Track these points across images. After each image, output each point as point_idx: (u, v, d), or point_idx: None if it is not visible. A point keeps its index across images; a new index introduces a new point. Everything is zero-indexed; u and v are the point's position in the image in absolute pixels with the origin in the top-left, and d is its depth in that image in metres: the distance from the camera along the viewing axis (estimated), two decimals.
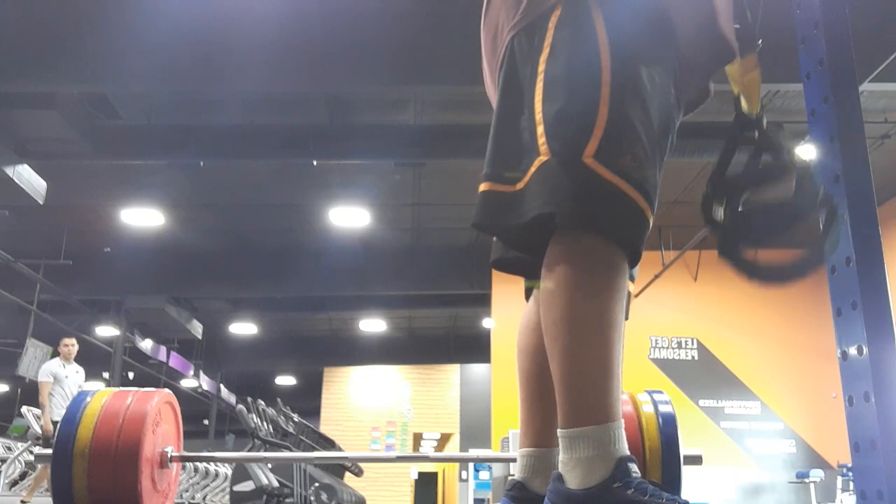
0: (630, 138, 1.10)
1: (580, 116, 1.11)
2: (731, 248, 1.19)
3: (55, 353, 7.66)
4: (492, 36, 1.35)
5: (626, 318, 1.19)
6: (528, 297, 1.41)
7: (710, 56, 1.29)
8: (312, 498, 6.58)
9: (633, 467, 1.03)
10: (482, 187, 1.19)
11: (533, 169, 1.12)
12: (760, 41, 1.28)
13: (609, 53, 1.13)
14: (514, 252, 1.28)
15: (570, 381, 1.06)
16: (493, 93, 1.39)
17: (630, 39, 1.16)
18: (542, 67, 1.16)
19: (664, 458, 1.74)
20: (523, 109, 1.18)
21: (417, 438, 16.69)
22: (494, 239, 1.32)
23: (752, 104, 1.27)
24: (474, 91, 7.25)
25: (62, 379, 6.76)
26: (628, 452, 1.05)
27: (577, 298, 1.08)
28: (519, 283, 1.43)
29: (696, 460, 1.83)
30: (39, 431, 6.62)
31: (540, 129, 1.13)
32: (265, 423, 7.00)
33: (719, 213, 1.20)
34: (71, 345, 6.99)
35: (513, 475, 1.29)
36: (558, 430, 1.08)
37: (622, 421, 1.07)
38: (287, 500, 6.31)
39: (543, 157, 1.10)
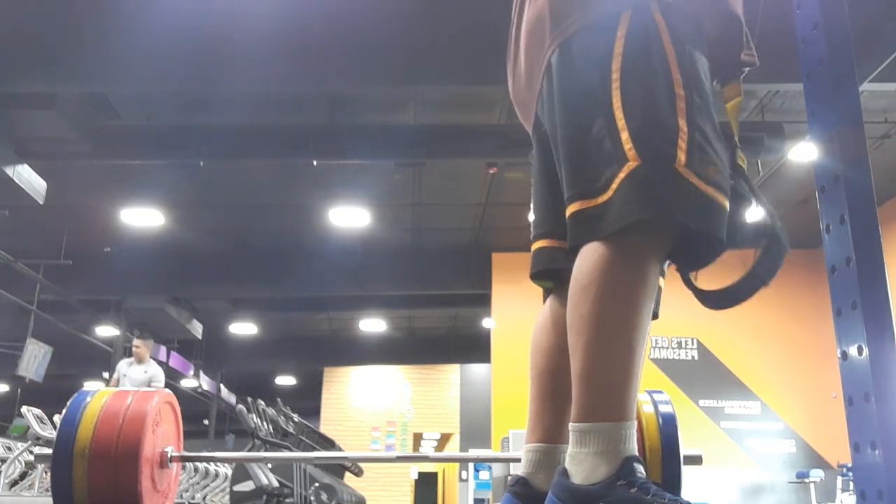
0: (708, 149, 1.14)
1: (664, 127, 1.12)
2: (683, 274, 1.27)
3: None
4: (526, 69, 1.35)
5: (656, 318, 1.23)
6: (545, 298, 1.42)
7: (731, 64, 1.32)
8: (312, 498, 6.58)
9: (639, 467, 1.04)
10: (571, 209, 1.17)
11: (623, 175, 1.11)
12: (746, 69, 1.31)
13: (678, 66, 1.16)
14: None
15: (590, 377, 1.08)
16: (528, 119, 1.40)
17: (690, 51, 1.19)
18: (616, 75, 1.16)
19: (664, 458, 1.74)
20: (596, 118, 1.16)
21: (417, 438, 16.69)
22: (534, 251, 1.36)
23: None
24: (474, 91, 7.26)
25: (122, 378, 6.91)
26: (636, 453, 1.06)
27: (609, 296, 1.10)
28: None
29: (696, 460, 1.83)
30: (40, 431, 6.62)
31: (625, 136, 1.13)
32: (265, 423, 6.99)
33: None
34: (136, 346, 7.09)
35: (512, 475, 1.29)
36: (570, 424, 1.09)
37: (635, 421, 1.08)
38: (287, 500, 6.31)
39: (633, 164, 1.11)
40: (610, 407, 1.06)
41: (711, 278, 1.30)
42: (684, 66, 1.16)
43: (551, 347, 1.33)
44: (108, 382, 6.91)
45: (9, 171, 7.00)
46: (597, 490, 1.01)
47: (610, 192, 1.11)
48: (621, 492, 1.00)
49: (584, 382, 1.08)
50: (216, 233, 10.53)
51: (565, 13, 1.23)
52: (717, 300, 1.26)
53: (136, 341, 7.24)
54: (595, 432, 1.05)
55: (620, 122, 1.13)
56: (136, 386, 6.70)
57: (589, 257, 1.12)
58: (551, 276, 1.37)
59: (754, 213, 1.25)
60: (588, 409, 1.06)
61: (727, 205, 1.13)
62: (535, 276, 1.38)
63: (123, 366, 7.09)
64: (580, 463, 1.04)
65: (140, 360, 7.01)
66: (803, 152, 7.05)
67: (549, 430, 1.27)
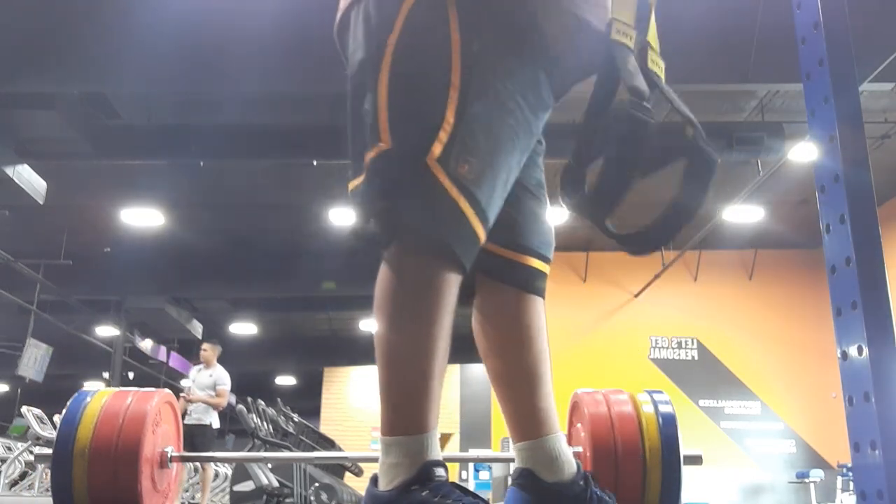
0: (471, 147, 1.05)
1: (427, 114, 1.06)
2: (596, 218, 1.12)
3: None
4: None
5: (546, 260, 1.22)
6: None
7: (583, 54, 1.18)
8: (312, 498, 6.58)
9: (439, 471, 1.07)
10: (350, 186, 1.14)
11: (372, 154, 1.07)
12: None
13: (460, 54, 1.07)
14: None
15: (387, 394, 1.10)
16: None
17: (483, 43, 1.09)
18: (389, 49, 1.09)
19: (664, 458, 1.73)
20: (367, 91, 1.11)
21: None
22: None
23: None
24: None
25: (190, 383, 7.03)
26: (439, 458, 1.09)
27: (390, 320, 1.09)
28: None
29: (696, 460, 1.83)
30: (40, 431, 6.63)
31: (384, 115, 1.07)
32: (265, 423, 7.00)
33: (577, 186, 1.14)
34: (203, 349, 7.16)
35: (515, 468, 1.29)
36: (379, 434, 1.12)
37: (435, 431, 1.10)
38: (287, 500, 6.31)
39: (384, 146, 1.06)
40: (406, 422, 1.08)
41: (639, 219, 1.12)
42: (469, 55, 1.07)
43: (487, 352, 1.36)
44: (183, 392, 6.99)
45: (9, 171, 7.00)
46: (392, 495, 1.06)
47: (367, 173, 1.08)
48: (413, 495, 1.04)
49: (384, 398, 1.10)
50: (216, 233, 10.53)
51: None
52: (639, 243, 1.13)
53: (205, 344, 7.28)
54: (395, 444, 1.08)
55: (383, 100, 1.08)
56: (201, 390, 6.79)
57: (379, 276, 1.11)
58: None
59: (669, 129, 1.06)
60: (387, 423, 1.09)
61: (471, 214, 1.04)
62: None
63: (193, 372, 7.16)
64: (385, 472, 1.09)
65: (208, 363, 7.06)
66: (803, 152, 7.06)
67: (524, 429, 1.28)
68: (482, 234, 1.07)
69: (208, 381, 6.88)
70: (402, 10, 1.10)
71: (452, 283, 1.09)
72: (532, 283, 1.30)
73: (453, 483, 1.08)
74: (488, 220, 1.07)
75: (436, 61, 1.08)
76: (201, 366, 7.07)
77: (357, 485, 9.22)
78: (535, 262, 1.29)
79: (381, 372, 1.10)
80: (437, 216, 1.04)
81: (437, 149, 1.03)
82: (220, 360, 7.14)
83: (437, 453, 1.09)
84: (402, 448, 1.08)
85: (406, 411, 1.09)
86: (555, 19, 1.15)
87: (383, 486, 1.08)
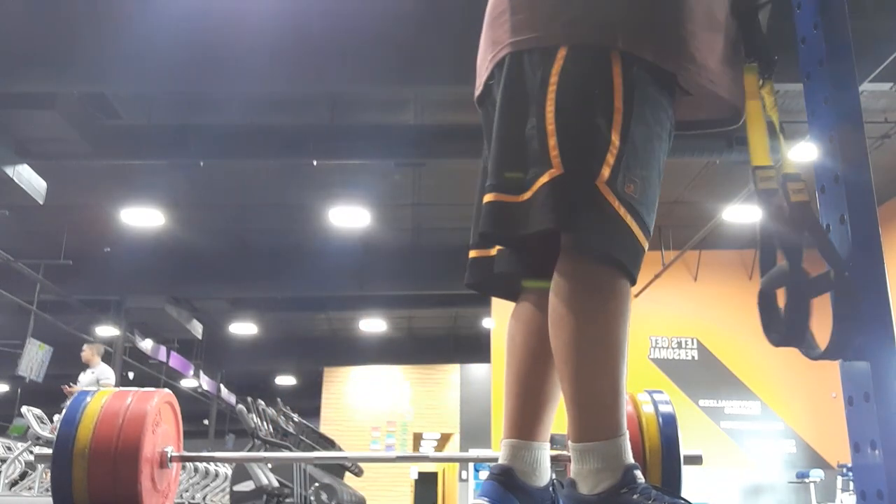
0: (635, 167, 1.13)
1: (594, 139, 1.12)
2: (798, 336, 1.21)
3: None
4: (483, 41, 1.37)
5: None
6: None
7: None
8: (312, 498, 6.58)
9: (639, 474, 1.11)
10: (488, 198, 1.20)
11: (543, 180, 1.13)
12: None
13: (622, 78, 1.16)
14: (502, 270, 1.30)
15: (581, 401, 1.13)
16: (478, 84, 1.41)
17: (637, 68, 1.18)
18: (554, 79, 1.16)
19: (664, 458, 1.73)
20: (530, 116, 1.17)
21: (417, 438, 16.68)
22: (470, 261, 1.37)
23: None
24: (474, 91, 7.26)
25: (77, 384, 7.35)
26: (633, 461, 1.13)
27: (585, 324, 1.14)
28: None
29: (696, 460, 1.83)
30: (40, 431, 6.63)
31: (552, 141, 1.13)
32: (265, 423, 7.00)
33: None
34: (82, 349, 7.56)
35: (495, 464, 1.29)
36: (570, 443, 1.15)
37: (627, 433, 1.14)
38: (287, 500, 6.31)
39: (556, 172, 1.12)
40: (603, 426, 1.12)
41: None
42: (629, 79, 1.16)
43: (534, 349, 1.35)
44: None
45: (9, 171, 7.00)
46: (603, 499, 1.09)
47: (529, 194, 1.14)
48: (625, 498, 1.07)
49: (577, 406, 1.14)
50: (216, 233, 10.53)
51: (523, 26, 1.25)
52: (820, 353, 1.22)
53: (83, 346, 7.76)
54: (594, 451, 1.11)
55: (550, 126, 1.14)
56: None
57: (558, 292, 1.16)
58: (486, 287, 1.40)
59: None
60: (584, 430, 1.13)
61: (637, 231, 1.13)
62: (470, 287, 1.40)
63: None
64: (585, 478, 1.11)
65: (89, 364, 7.54)
66: (803, 152, 7.05)
67: (525, 428, 1.29)
68: (646, 246, 1.16)
69: (90, 378, 7.28)
70: (559, 52, 1.18)
71: (629, 294, 1.17)
72: None
73: (653, 485, 1.12)
74: (650, 234, 1.16)
75: (600, 85, 1.15)
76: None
77: (357, 485, 9.22)
78: None
79: (576, 378, 1.13)
80: (608, 236, 1.11)
81: (605, 172, 1.11)
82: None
83: (631, 455, 1.13)
84: (601, 453, 1.11)
85: (605, 416, 1.12)
86: (691, 69, 1.24)
87: (587, 490, 1.11)
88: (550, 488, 1.27)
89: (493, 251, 1.33)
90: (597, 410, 1.12)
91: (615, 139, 1.12)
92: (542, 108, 1.15)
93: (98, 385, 7.05)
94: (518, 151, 1.17)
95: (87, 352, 7.59)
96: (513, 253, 1.29)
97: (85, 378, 7.33)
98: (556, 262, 1.19)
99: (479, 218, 1.32)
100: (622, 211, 1.11)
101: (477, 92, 1.43)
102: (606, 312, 1.14)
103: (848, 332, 1.19)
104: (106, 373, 7.47)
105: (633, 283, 1.17)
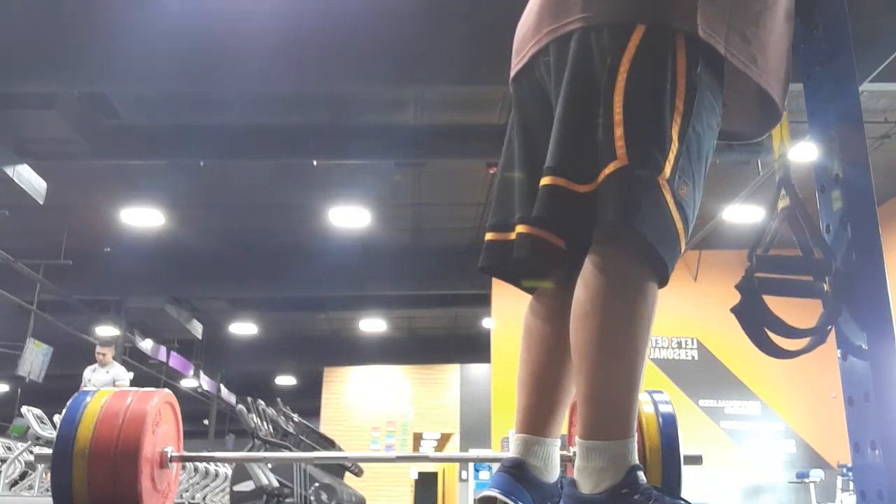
0: (688, 170, 1.14)
1: (659, 134, 1.12)
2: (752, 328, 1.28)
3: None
4: (537, 15, 1.32)
5: None
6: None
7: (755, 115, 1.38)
8: (312, 498, 6.58)
9: (641, 475, 1.10)
10: (547, 181, 1.16)
11: (608, 171, 1.12)
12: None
13: (685, 79, 1.15)
14: (523, 257, 1.27)
15: (595, 398, 1.12)
16: (520, 60, 1.36)
17: (699, 70, 1.18)
18: (623, 69, 1.15)
19: (664, 458, 1.74)
20: (597, 104, 1.15)
21: (417, 438, 16.68)
22: (487, 243, 1.34)
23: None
24: (474, 91, 7.25)
25: (86, 383, 7.27)
26: (637, 462, 1.12)
27: (611, 322, 1.12)
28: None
29: (696, 460, 1.83)
30: (40, 431, 6.63)
31: (619, 132, 1.12)
32: (265, 423, 6.99)
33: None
34: (101, 353, 7.44)
35: (507, 457, 1.29)
36: (577, 439, 1.14)
37: (636, 435, 1.14)
38: (287, 500, 6.31)
39: (621, 163, 1.11)
40: (614, 426, 1.11)
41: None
42: (692, 80, 1.16)
43: (545, 343, 1.34)
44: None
45: (9, 171, 7.00)
46: (603, 499, 1.08)
47: (594, 185, 1.13)
48: (625, 499, 1.07)
49: (590, 403, 1.12)
50: (216, 233, 10.53)
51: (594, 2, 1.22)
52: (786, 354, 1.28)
53: (98, 348, 7.56)
54: (600, 449, 1.10)
55: (618, 116, 1.13)
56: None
57: (588, 286, 1.14)
58: (501, 273, 1.38)
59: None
60: (593, 427, 1.11)
61: (682, 231, 1.14)
62: (484, 270, 1.37)
63: (88, 372, 7.40)
64: (588, 476, 1.10)
65: (103, 364, 7.40)
66: (803, 152, 7.05)
67: (539, 424, 1.30)
68: (684, 246, 1.16)
69: (106, 378, 7.19)
70: (634, 35, 1.16)
71: (657, 297, 1.16)
72: None
73: (655, 487, 1.11)
74: (688, 238, 1.17)
75: (665, 84, 1.15)
76: (95, 365, 7.38)
77: (357, 485, 9.22)
78: None
79: (594, 375, 1.12)
80: (661, 233, 1.11)
81: (667, 169, 1.11)
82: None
83: (636, 456, 1.12)
84: (607, 452, 1.10)
85: (617, 416, 1.12)
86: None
87: (588, 490, 1.10)
88: (559, 486, 1.27)
89: (513, 235, 1.28)
90: (610, 410, 1.11)
91: (675, 138, 1.12)
92: (611, 97, 1.14)
93: (114, 385, 7.02)
94: (582, 137, 1.16)
95: (104, 352, 7.44)
96: (545, 241, 1.25)
97: (100, 379, 7.23)
98: (583, 256, 1.17)
99: (505, 199, 1.30)
100: (675, 211, 1.11)
101: (519, 65, 1.36)
102: (634, 313, 1.12)
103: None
104: (121, 374, 7.35)
105: (663, 286, 1.16)
